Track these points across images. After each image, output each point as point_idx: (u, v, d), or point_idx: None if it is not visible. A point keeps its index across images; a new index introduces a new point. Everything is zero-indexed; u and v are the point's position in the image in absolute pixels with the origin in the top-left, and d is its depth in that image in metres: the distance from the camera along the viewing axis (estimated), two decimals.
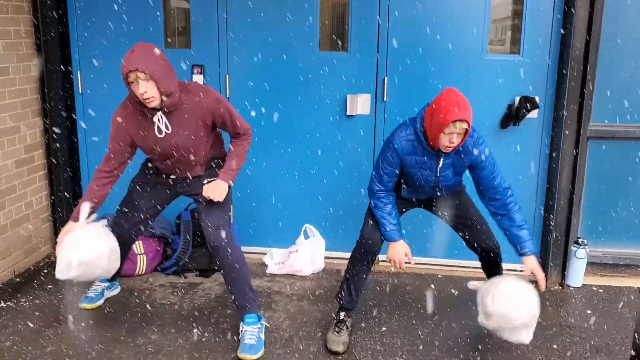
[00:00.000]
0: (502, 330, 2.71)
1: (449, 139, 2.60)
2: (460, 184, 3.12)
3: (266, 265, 3.89)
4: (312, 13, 3.64)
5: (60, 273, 2.79)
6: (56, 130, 3.90)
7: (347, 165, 3.82)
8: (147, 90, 2.57)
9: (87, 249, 2.79)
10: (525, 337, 2.71)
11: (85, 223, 2.82)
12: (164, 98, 2.63)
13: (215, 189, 2.83)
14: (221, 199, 2.85)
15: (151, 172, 3.04)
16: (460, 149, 2.75)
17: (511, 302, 2.64)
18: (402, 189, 2.98)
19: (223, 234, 2.87)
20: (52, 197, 4.03)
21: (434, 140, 2.67)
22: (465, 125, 2.56)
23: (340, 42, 3.73)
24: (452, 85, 2.80)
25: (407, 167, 2.83)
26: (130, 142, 2.83)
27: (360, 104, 3.70)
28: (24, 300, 3.40)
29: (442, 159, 2.77)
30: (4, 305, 3.33)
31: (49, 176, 3.98)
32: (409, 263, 2.95)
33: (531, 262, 2.78)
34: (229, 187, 2.88)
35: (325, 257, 3.91)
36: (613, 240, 3.77)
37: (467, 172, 2.91)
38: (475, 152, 2.75)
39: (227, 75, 3.79)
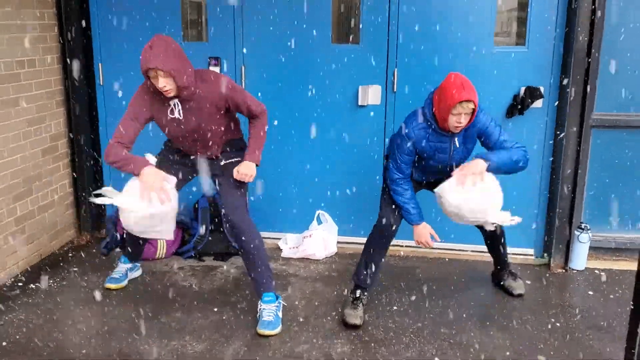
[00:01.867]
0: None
1: (457, 119, 2.82)
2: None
3: (281, 250, 4.04)
4: (326, 6, 3.77)
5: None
6: (78, 120, 4.07)
7: (359, 153, 3.96)
8: (166, 85, 2.75)
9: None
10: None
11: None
12: (181, 90, 2.80)
13: (245, 174, 2.98)
14: (251, 180, 3.00)
15: (172, 151, 3.19)
16: None
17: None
18: (413, 171, 3.13)
19: (240, 212, 3.02)
20: (75, 185, 4.19)
21: (443, 122, 2.87)
22: (471, 105, 2.78)
23: (352, 35, 3.86)
24: None
25: (422, 153, 3.00)
26: (147, 117, 2.94)
27: (372, 95, 3.83)
28: (51, 281, 3.57)
29: (456, 137, 2.97)
30: (33, 287, 3.50)
31: (72, 164, 4.15)
32: (436, 241, 3.13)
33: (473, 163, 2.96)
34: (256, 166, 3.03)
35: (338, 242, 4.06)
36: (615, 225, 3.89)
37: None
38: (480, 120, 2.97)
39: (243, 67, 3.93)
